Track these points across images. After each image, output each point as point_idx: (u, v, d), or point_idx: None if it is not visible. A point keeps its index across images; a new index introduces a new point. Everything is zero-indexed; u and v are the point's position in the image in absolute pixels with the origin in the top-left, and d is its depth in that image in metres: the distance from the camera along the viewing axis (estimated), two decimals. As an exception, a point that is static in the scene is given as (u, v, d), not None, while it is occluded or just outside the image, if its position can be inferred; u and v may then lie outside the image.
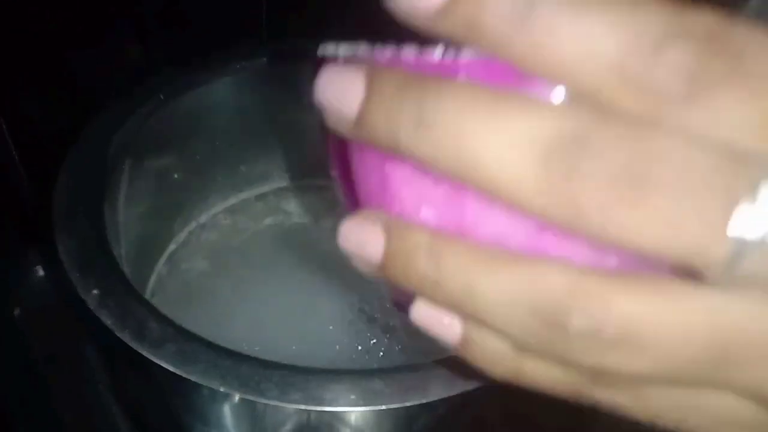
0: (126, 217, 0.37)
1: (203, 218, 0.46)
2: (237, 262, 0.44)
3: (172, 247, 0.44)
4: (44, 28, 0.46)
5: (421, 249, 0.15)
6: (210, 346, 0.27)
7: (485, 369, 0.16)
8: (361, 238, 0.15)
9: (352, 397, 0.27)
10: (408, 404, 0.27)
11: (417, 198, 0.15)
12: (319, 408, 0.26)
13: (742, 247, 0.12)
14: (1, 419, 0.39)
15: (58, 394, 0.41)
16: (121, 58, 0.51)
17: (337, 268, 0.44)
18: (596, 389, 0.15)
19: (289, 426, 0.33)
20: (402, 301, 0.18)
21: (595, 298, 0.13)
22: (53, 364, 0.42)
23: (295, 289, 0.42)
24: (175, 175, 0.42)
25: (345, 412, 0.28)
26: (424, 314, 0.16)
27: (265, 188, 0.48)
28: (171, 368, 0.26)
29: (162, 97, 0.38)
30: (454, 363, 0.28)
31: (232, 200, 0.47)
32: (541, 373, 0.15)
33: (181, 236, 0.44)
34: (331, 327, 0.41)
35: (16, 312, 0.45)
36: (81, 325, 0.42)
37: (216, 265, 0.44)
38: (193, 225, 0.45)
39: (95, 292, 0.28)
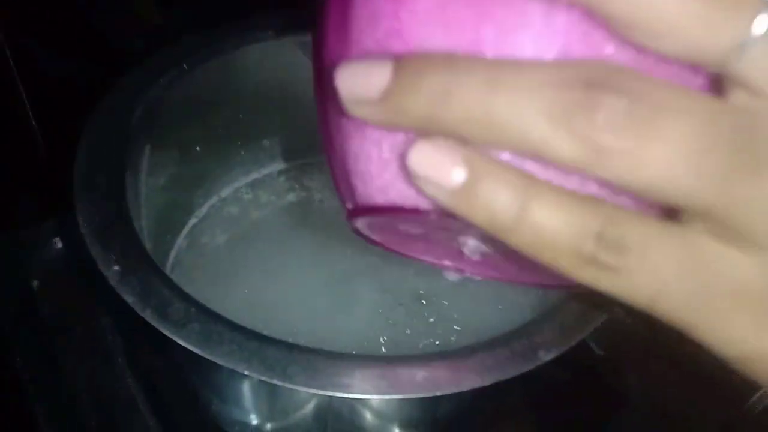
0: (147, 188, 0.36)
1: (225, 192, 0.44)
2: (258, 237, 0.43)
3: (192, 220, 0.43)
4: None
5: (435, 63, 0.14)
6: (235, 327, 0.26)
7: (483, 221, 0.15)
8: (366, 70, 0.15)
9: (383, 384, 0.26)
10: (439, 394, 0.26)
11: (432, 30, 0.14)
12: (347, 395, 0.25)
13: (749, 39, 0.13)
14: (17, 393, 0.39)
15: (74, 367, 0.41)
16: (142, 20, 0.50)
17: (362, 247, 0.43)
18: (601, 247, 0.14)
19: (310, 408, 0.32)
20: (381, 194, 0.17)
21: (632, 79, 0.14)
22: (70, 337, 0.42)
23: (317, 267, 0.41)
24: (197, 147, 0.40)
25: (373, 399, 0.28)
26: (426, 154, 0.14)
27: (288, 163, 0.47)
28: (195, 350, 0.25)
29: (185, 66, 0.36)
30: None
31: (254, 175, 0.45)
32: (543, 220, 0.14)
33: (203, 210, 0.43)
34: (354, 306, 0.40)
35: (34, 284, 0.44)
36: (99, 300, 0.41)
37: (237, 240, 0.43)
38: (214, 199, 0.44)
39: (116, 268, 0.27)
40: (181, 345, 0.26)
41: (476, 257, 0.19)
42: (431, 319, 0.40)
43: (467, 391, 0.27)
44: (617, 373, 0.41)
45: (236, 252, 0.42)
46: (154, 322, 0.26)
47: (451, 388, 0.26)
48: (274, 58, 0.40)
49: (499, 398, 0.34)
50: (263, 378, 0.25)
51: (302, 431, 0.32)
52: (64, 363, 0.40)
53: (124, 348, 0.41)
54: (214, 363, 0.25)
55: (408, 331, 0.39)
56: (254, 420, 0.34)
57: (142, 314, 0.26)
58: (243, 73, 0.40)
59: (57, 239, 0.46)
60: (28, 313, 0.42)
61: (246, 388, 0.32)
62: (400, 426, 0.33)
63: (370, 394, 0.26)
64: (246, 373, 0.25)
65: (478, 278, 0.21)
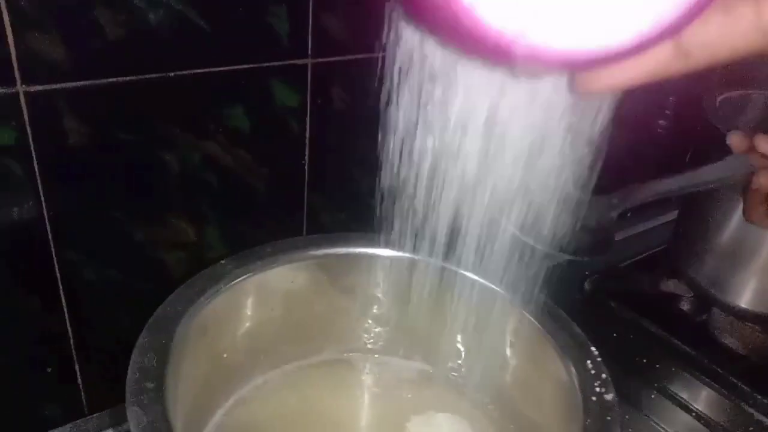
0: (183, 387, 0.40)
1: (245, 391, 0.48)
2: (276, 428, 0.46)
3: (218, 414, 0.46)
4: (111, 203, 0.53)
5: None
6: None
7: None
8: None
9: None
10: None
11: None
12: None
13: None
14: None
15: None
16: (179, 238, 0.57)
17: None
18: None
19: None
20: None
21: None
22: None
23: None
24: (225, 355, 0.46)
25: None
26: None
27: (297, 363, 0.51)
28: None
29: (222, 286, 0.43)
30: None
31: (274, 373, 0.50)
32: None
33: (227, 406, 0.47)
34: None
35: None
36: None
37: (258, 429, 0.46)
38: (236, 396, 0.48)
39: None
40: None
41: None
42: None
43: None
44: None
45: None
46: None
47: None
48: (297, 277, 0.47)
49: None
50: None
51: None
52: None
53: None
54: None
55: None
56: None
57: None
58: (269, 290, 0.46)
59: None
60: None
61: None
62: None
63: None
64: None
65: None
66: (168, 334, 0.39)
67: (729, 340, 0.66)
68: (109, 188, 0.52)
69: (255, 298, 0.46)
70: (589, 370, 0.40)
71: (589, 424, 0.37)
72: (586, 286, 0.69)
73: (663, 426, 0.57)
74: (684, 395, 0.60)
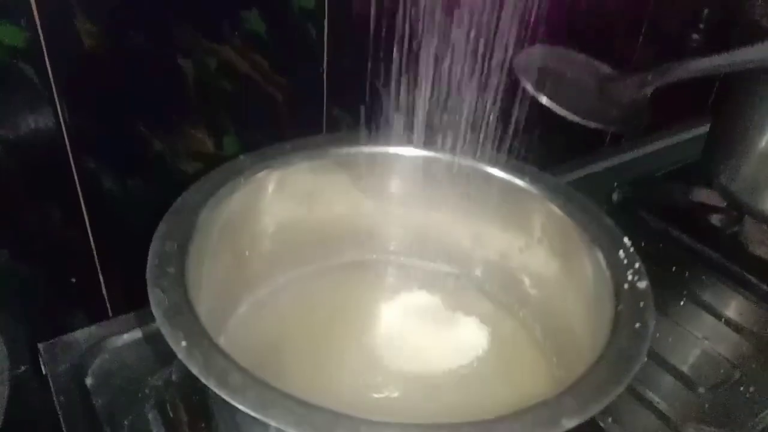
0: (205, 280, 0.39)
1: (267, 290, 0.48)
2: (298, 327, 0.47)
3: (238, 312, 0.46)
4: (128, 111, 0.52)
5: None
6: (286, 395, 0.29)
7: None
8: None
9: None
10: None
11: None
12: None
13: None
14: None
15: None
16: (198, 148, 0.57)
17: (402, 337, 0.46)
18: None
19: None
20: None
21: None
22: (119, 427, 0.45)
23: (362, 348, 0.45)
24: (246, 253, 0.45)
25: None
26: None
27: (323, 265, 0.51)
28: (252, 412, 0.28)
29: (242, 180, 0.42)
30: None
31: (294, 273, 0.49)
32: None
33: (247, 304, 0.47)
34: (396, 393, 0.42)
35: (88, 382, 0.48)
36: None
37: (279, 328, 0.46)
38: (257, 295, 0.48)
39: (183, 344, 0.31)
40: (239, 409, 0.29)
41: None
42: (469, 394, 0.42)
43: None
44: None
45: (281, 336, 0.45)
46: (217, 389, 0.29)
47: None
48: (316, 176, 0.46)
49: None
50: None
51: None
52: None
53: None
54: (270, 426, 0.28)
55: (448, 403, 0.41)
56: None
57: (206, 382, 0.29)
58: (288, 190, 0.45)
59: (107, 341, 0.51)
60: (83, 407, 0.45)
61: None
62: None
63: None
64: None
65: None
66: (188, 222, 0.38)
67: (761, 250, 0.64)
68: (125, 95, 0.51)
69: (274, 196, 0.45)
70: (622, 260, 0.39)
71: (620, 309, 0.35)
72: (615, 196, 0.68)
73: (692, 331, 0.56)
74: (713, 302, 0.58)
